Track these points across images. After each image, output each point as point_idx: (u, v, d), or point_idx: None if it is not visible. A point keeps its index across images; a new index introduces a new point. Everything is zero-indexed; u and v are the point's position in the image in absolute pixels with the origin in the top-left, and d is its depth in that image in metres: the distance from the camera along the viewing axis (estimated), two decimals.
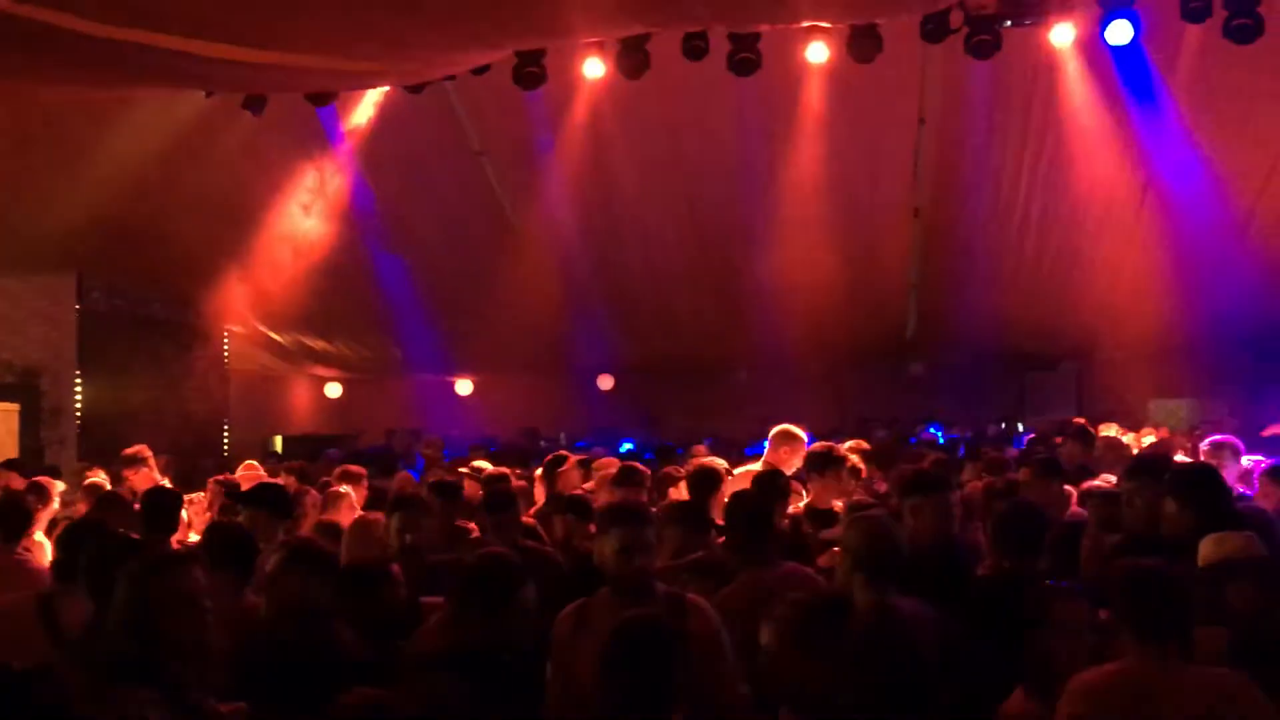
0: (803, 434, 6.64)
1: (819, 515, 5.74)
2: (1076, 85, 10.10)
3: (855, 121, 10.90)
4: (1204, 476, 4.54)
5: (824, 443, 6.55)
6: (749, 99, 10.25)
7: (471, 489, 6.87)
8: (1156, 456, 5.28)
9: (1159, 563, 3.37)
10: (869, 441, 8.82)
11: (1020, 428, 14.80)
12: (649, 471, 6.64)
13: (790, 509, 5.96)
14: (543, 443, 14.07)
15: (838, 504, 5.66)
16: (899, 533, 4.05)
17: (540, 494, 7.08)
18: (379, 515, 5.51)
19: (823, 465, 5.92)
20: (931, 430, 14.38)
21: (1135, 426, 12.25)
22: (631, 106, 10.63)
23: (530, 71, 9.43)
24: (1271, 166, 10.97)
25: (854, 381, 16.66)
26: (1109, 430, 11.68)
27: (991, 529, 4.59)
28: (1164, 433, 12.54)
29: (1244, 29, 8.75)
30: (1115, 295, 13.18)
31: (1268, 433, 11.11)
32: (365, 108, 10.86)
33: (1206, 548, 3.86)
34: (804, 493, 6.26)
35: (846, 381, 16.66)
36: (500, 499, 5.51)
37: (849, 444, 7.22)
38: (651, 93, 10.19)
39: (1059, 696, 3.19)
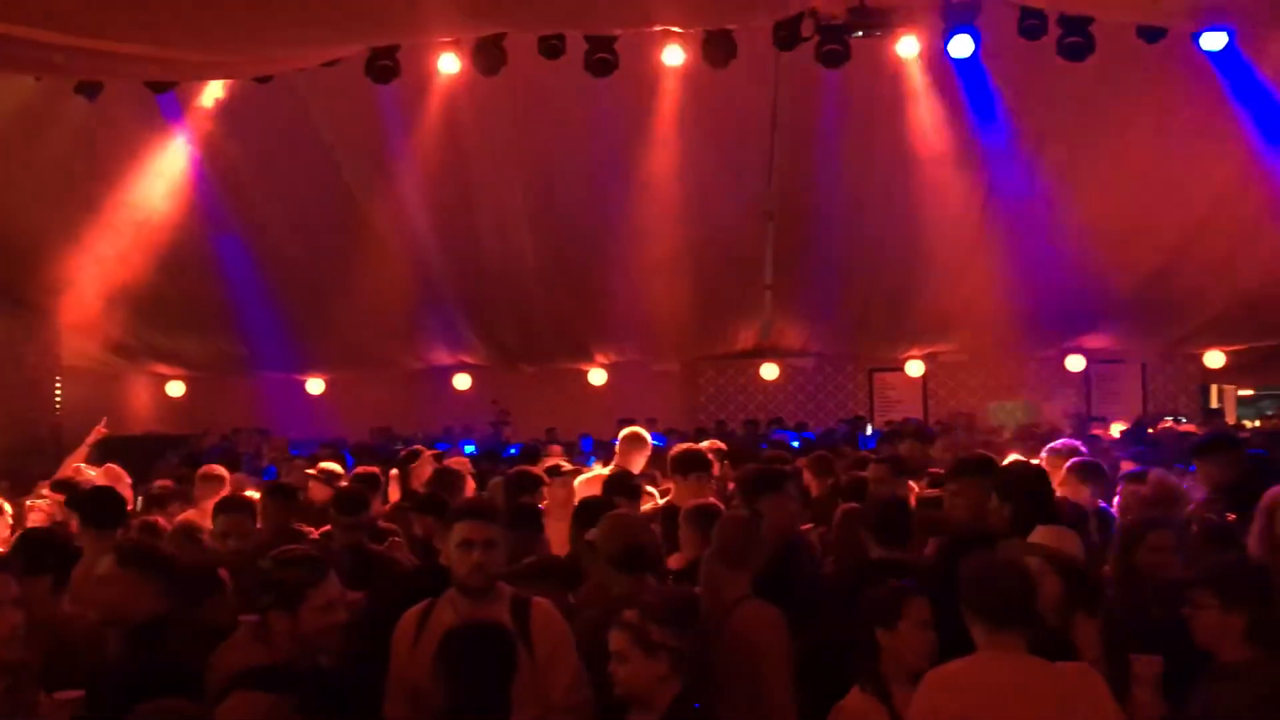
0: (649, 436, 6.71)
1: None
2: (921, 96, 10.45)
3: (711, 124, 11.02)
4: (1026, 474, 4.72)
5: (688, 444, 6.64)
6: (606, 99, 10.26)
7: (318, 491, 6.70)
8: (981, 456, 5.47)
9: (1009, 557, 3.48)
10: (724, 441, 8.98)
11: (869, 428, 15.21)
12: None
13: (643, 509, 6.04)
14: (398, 444, 13.84)
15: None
16: (645, 530, 4.33)
17: (395, 493, 6.97)
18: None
19: (687, 468, 5.95)
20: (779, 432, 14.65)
21: (973, 426, 12.78)
22: (488, 103, 10.53)
23: (383, 65, 9.26)
24: (1102, 181, 11.54)
25: (710, 382, 16.88)
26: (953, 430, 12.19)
27: (867, 524, 4.67)
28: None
29: (1076, 47, 9.21)
30: (957, 300, 13.69)
31: (1095, 431, 11.71)
32: (212, 91, 10.44)
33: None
34: (655, 493, 6.35)
35: (703, 383, 16.87)
36: (349, 501, 5.39)
37: (705, 443, 7.32)
38: (509, 90, 10.12)
39: (894, 694, 3.26)
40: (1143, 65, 9.71)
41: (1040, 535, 3.96)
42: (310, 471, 7.49)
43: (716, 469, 6.57)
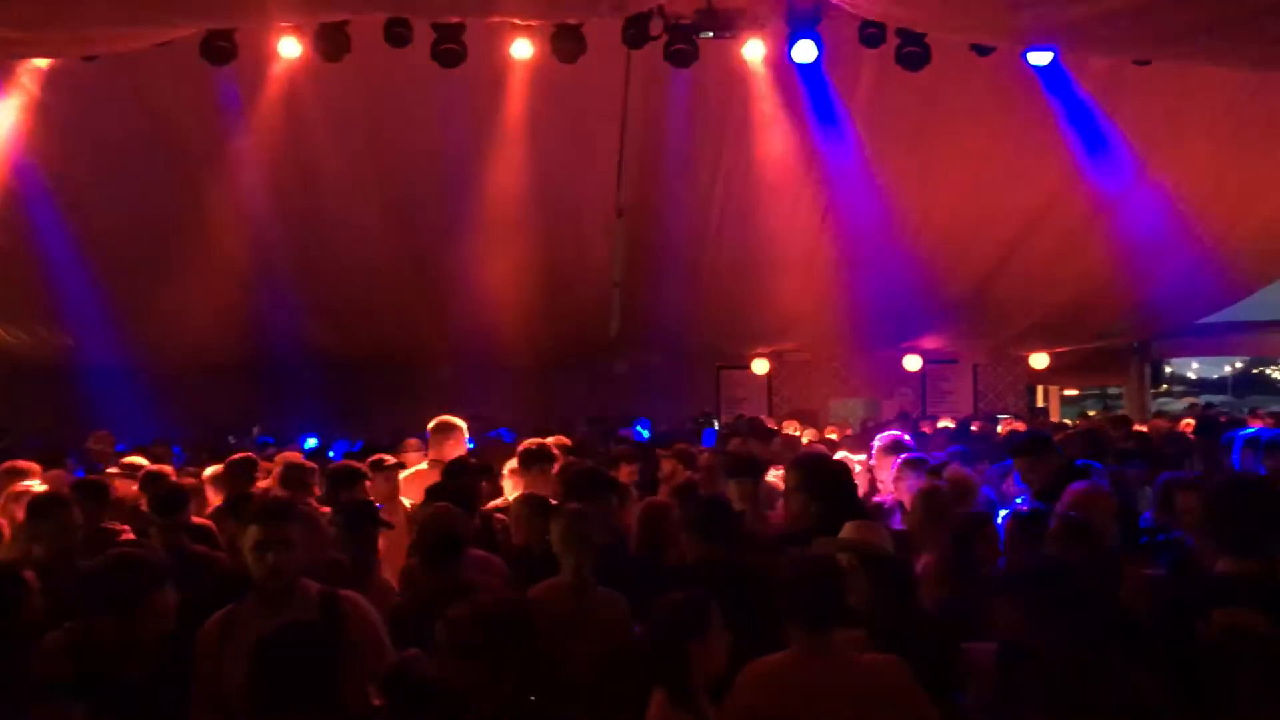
0: (462, 424, 6.78)
1: None
2: (766, 99, 10.64)
3: (560, 120, 10.98)
4: (830, 471, 4.80)
5: (535, 440, 6.66)
6: (455, 91, 10.11)
7: (123, 486, 6.42)
8: (813, 454, 5.62)
9: (821, 556, 3.54)
10: (571, 438, 8.98)
11: (716, 425, 15.44)
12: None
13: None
14: (231, 439, 13.36)
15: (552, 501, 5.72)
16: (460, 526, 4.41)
17: (214, 494, 6.70)
18: None
19: (532, 462, 6.10)
20: (637, 428, 14.73)
21: (817, 423, 13.11)
22: (333, 89, 10.24)
23: (219, 46, 8.90)
24: (937, 187, 11.98)
25: (560, 379, 16.85)
26: (790, 427, 12.46)
27: (686, 522, 4.71)
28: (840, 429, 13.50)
29: (914, 56, 9.52)
30: (802, 299, 14.02)
31: (924, 428, 12.15)
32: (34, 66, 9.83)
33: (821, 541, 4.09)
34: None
35: (553, 379, 16.83)
36: (167, 500, 5.16)
37: (550, 439, 7.32)
38: (355, 76, 9.86)
39: (699, 700, 3.25)
40: (976, 77, 10.10)
41: (850, 530, 4.04)
42: (113, 470, 7.16)
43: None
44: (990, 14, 6.83)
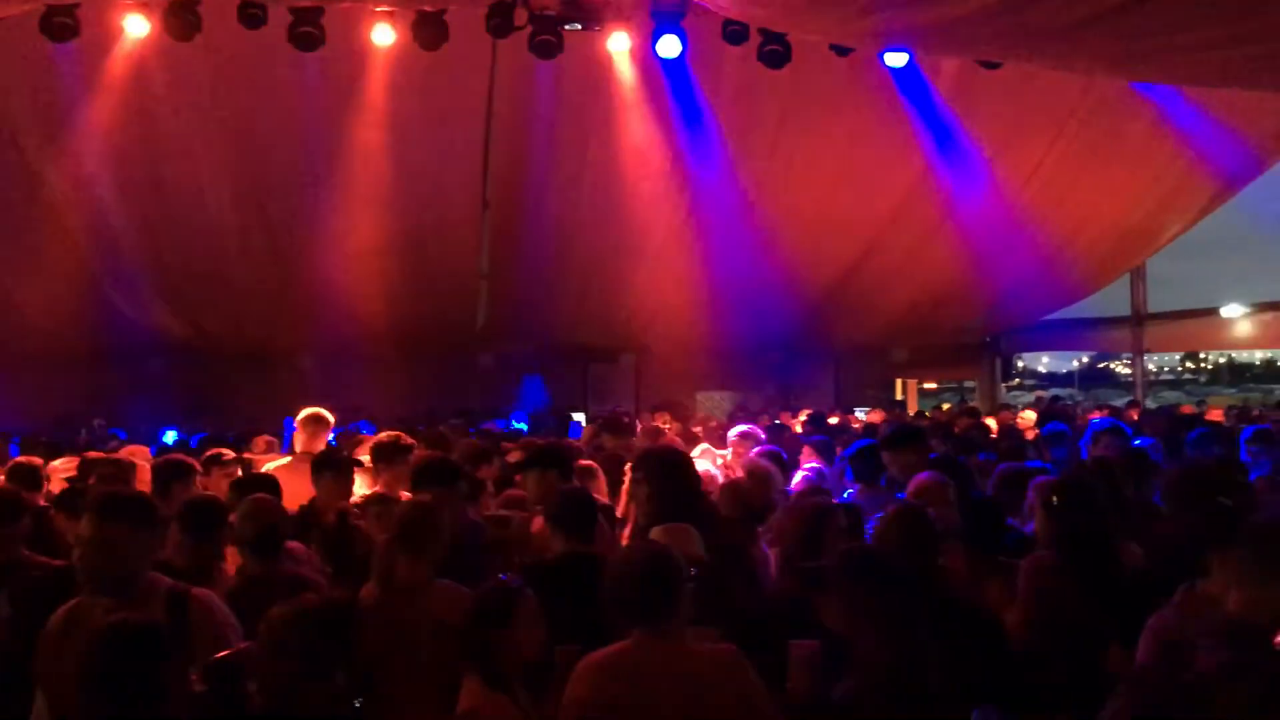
0: (331, 417, 6.61)
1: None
2: (631, 93, 10.68)
3: (424, 109, 10.83)
4: (667, 463, 4.83)
5: (391, 432, 6.54)
6: (312, 75, 9.87)
7: None
8: (657, 447, 5.67)
9: (652, 549, 3.56)
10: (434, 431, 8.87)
11: (583, 418, 15.44)
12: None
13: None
14: (83, 432, 12.80)
15: (405, 494, 5.62)
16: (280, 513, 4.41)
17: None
18: None
19: (390, 455, 5.93)
20: (514, 421, 14.63)
21: (684, 416, 13.22)
22: (182, 69, 9.88)
23: (60, 23, 8.52)
24: (800, 183, 12.21)
25: (425, 371, 16.60)
26: (661, 420, 12.54)
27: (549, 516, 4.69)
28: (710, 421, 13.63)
29: (775, 54, 9.68)
30: (668, 293, 14.13)
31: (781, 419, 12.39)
32: None
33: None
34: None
35: (418, 370, 16.57)
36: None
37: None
38: (206, 57, 9.54)
39: (514, 687, 3.26)
40: (836, 77, 10.34)
41: (657, 535, 4.09)
42: None
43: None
44: (839, 15, 6.99)
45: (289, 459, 6.70)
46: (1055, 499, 4.39)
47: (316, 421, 6.66)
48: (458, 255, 13.32)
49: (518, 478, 5.91)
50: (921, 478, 4.74)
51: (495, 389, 16.59)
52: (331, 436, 8.77)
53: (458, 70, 10.09)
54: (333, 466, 5.75)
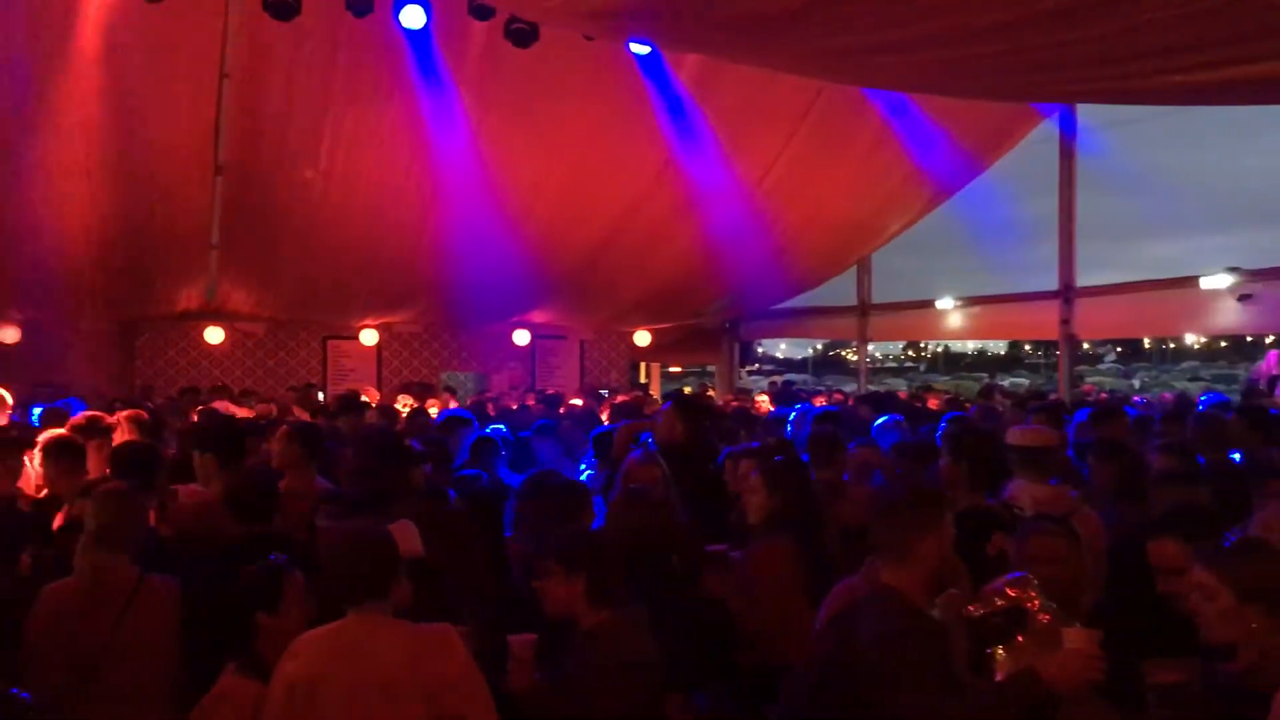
0: (7, 395, 6.15)
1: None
2: (374, 64, 10.36)
3: (149, 66, 10.09)
4: (388, 445, 4.80)
5: (92, 413, 6.19)
6: (13, 20, 9.02)
7: None
8: (378, 428, 5.63)
9: (364, 526, 3.51)
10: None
11: (321, 397, 14.94)
12: None
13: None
14: None
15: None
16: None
17: None
18: None
19: (87, 436, 5.55)
20: None
21: (423, 396, 13.01)
22: None
23: None
24: (546, 164, 12.21)
25: (147, 345, 15.61)
26: (401, 401, 12.32)
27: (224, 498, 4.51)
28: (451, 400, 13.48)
29: (521, 33, 9.66)
30: (411, 271, 13.87)
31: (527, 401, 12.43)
32: None
33: None
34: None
35: (139, 345, 15.56)
36: None
37: (126, 413, 6.76)
38: None
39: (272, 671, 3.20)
40: (583, 60, 10.39)
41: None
42: None
43: (118, 437, 6.05)
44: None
45: None
46: (768, 478, 4.59)
47: None
48: (186, 223, 12.49)
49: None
50: (633, 457, 4.87)
51: (226, 367, 15.79)
52: (36, 415, 8.13)
53: (186, 23, 9.50)
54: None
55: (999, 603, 2.97)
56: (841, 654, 2.86)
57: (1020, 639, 2.96)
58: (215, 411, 9.43)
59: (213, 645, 3.53)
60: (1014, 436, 5.01)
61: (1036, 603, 2.99)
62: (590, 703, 3.27)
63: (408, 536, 3.82)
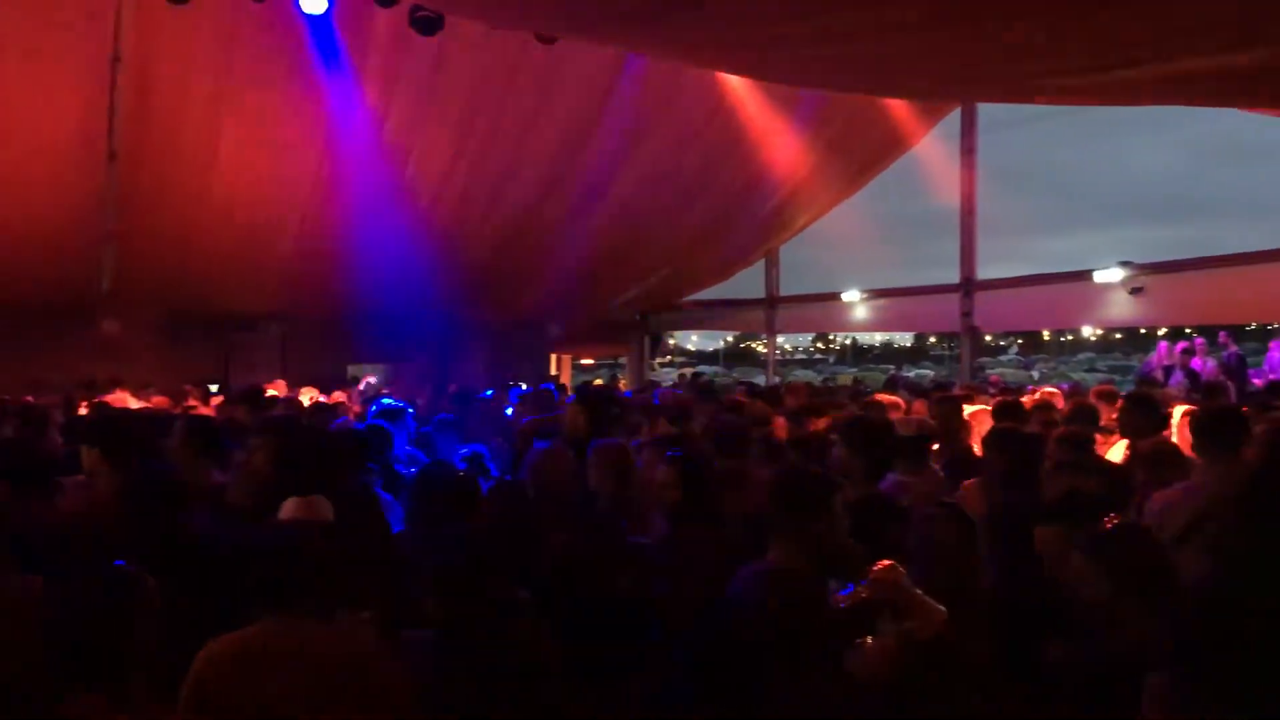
0: None
1: None
2: (273, 48, 10.15)
3: (36, 50, 9.76)
4: (298, 438, 4.72)
5: None
6: None
7: None
8: (283, 419, 5.50)
9: (280, 532, 3.42)
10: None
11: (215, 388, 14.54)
12: None
13: None
14: None
15: None
16: None
17: None
18: None
19: None
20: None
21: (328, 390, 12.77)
22: None
23: None
24: (456, 153, 12.09)
25: (38, 339, 15.01)
26: (306, 394, 12.06)
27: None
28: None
29: (427, 21, 9.55)
30: (312, 260, 13.59)
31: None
32: None
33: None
34: None
35: (29, 339, 14.96)
36: None
37: None
38: None
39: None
40: (487, 48, 10.32)
41: (290, 508, 3.96)
42: None
43: None
44: None
45: None
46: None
47: None
48: (76, 211, 12.08)
49: None
50: (537, 450, 4.85)
51: (122, 358, 15.27)
52: None
53: (75, 12, 9.19)
54: None
55: (864, 595, 3.04)
56: (727, 625, 2.93)
57: (886, 627, 3.05)
58: (106, 405, 9.15)
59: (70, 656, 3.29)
60: (900, 427, 5.16)
61: (904, 592, 3.07)
62: None
63: (321, 508, 3.76)
